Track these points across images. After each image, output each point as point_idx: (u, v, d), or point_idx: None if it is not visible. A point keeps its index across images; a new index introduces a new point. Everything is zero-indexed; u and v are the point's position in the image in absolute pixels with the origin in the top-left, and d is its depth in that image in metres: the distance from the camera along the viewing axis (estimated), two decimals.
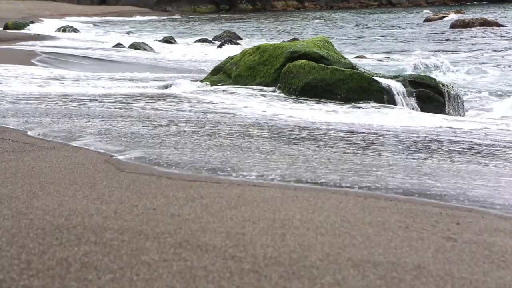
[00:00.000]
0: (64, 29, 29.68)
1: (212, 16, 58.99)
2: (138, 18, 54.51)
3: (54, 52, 15.68)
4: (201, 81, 9.61)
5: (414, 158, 4.55)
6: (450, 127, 6.47)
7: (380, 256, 2.33)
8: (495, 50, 17.99)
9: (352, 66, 8.89)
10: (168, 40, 23.96)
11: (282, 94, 8.22)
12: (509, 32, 23.56)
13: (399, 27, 32.91)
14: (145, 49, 18.45)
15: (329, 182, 3.58)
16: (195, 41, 24.02)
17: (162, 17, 57.38)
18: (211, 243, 2.39)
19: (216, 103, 7.57)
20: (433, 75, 10.47)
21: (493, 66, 14.49)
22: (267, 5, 71.85)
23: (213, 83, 9.33)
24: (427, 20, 36.05)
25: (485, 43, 20.54)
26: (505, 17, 35.64)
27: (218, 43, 22.56)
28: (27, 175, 3.49)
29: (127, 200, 2.98)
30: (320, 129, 5.78)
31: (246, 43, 22.24)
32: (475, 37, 23.06)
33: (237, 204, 2.97)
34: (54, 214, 2.70)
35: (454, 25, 28.10)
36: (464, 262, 2.33)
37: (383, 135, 5.72)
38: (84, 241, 2.36)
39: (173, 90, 8.68)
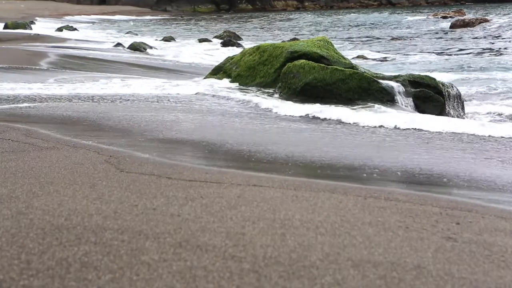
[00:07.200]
0: (64, 29, 29.69)
1: (212, 16, 58.95)
2: (138, 18, 54.46)
3: (68, 54, 15.53)
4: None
5: None
6: None
7: (380, 256, 2.33)
8: (493, 50, 17.99)
9: (352, 66, 8.88)
10: (168, 40, 23.98)
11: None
12: (508, 35, 23.55)
13: (399, 27, 32.90)
14: (145, 49, 18.46)
15: None
16: (195, 41, 24.04)
17: (162, 17, 57.35)
18: (211, 243, 2.39)
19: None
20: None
21: (492, 66, 14.48)
22: (267, 5, 71.78)
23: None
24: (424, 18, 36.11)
25: (485, 43, 20.54)
26: (505, 16, 35.62)
27: (218, 43, 22.57)
28: (27, 175, 3.49)
29: (127, 200, 2.98)
30: None
31: (246, 43, 22.21)
32: (475, 37, 23.06)
33: (237, 204, 2.97)
34: (54, 214, 2.70)
35: (454, 25, 28.10)
36: (464, 262, 2.33)
37: None
38: (84, 241, 2.36)
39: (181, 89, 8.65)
